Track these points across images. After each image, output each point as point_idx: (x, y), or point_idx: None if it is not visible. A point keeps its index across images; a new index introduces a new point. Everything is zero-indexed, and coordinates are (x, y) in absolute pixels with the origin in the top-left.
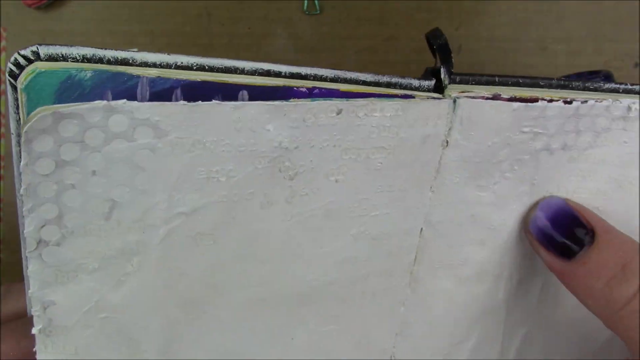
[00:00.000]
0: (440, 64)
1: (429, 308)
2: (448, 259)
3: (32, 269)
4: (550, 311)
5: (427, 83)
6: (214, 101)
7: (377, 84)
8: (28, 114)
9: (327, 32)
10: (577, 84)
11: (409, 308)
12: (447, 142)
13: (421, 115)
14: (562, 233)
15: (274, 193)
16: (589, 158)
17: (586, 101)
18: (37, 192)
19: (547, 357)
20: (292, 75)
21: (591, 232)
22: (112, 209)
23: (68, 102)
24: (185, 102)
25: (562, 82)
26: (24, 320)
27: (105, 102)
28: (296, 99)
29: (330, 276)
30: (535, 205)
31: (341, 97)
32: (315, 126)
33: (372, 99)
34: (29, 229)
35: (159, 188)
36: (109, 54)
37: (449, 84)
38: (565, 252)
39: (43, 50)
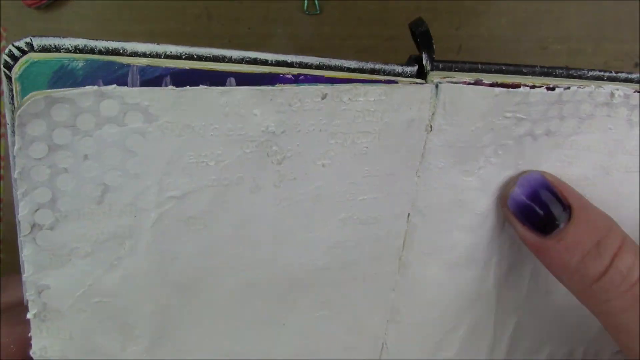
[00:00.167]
0: (422, 51)
1: (419, 294)
2: (436, 244)
3: (27, 252)
4: (542, 299)
5: (409, 69)
6: (201, 86)
7: (361, 70)
8: None
9: (327, 32)
10: (561, 71)
11: (399, 293)
12: (431, 126)
13: (405, 100)
14: (540, 208)
15: (263, 177)
16: (573, 144)
17: (569, 87)
18: (31, 175)
19: (540, 345)
20: (279, 63)
21: (568, 208)
22: (105, 193)
23: None
24: (173, 87)
25: (546, 70)
26: (20, 308)
27: (96, 87)
28: (282, 85)
29: (320, 261)
30: (514, 180)
31: (326, 83)
32: (301, 111)
33: (356, 84)
34: (23, 212)
35: (150, 172)
36: (100, 44)
37: (432, 70)
38: (542, 228)
39: (36, 42)
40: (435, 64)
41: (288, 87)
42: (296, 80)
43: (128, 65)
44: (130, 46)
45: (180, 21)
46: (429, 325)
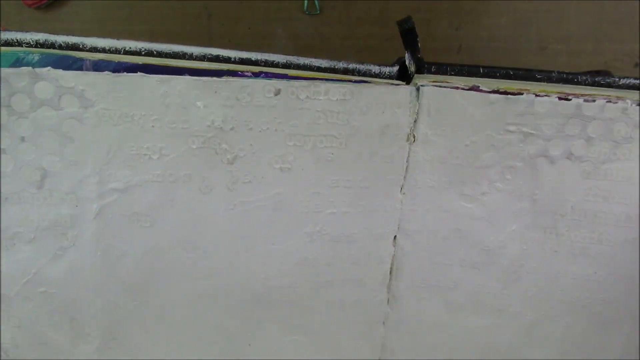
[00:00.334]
0: (405, 49)
1: (416, 334)
2: (434, 278)
3: None
4: None
5: (388, 69)
6: (138, 73)
7: (332, 70)
8: None
9: (327, 32)
10: (585, 78)
11: (391, 329)
12: (414, 136)
13: (375, 102)
14: None
15: (214, 177)
16: (608, 174)
17: (593, 99)
18: None
19: None
20: (242, 61)
21: None
22: (44, 178)
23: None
24: (109, 72)
25: (565, 76)
26: None
27: (29, 68)
28: (228, 77)
29: (288, 278)
30: None
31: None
32: (252, 107)
33: (316, 81)
34: None
35: (89, 160)
36: (60, 39)
37: (418, 73)
38: None
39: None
40: (426, 66)
41: (235, 80)
42: (256, 77)
43: (82, 60)
44: (90, 41)
45: (180, 21)
46: None
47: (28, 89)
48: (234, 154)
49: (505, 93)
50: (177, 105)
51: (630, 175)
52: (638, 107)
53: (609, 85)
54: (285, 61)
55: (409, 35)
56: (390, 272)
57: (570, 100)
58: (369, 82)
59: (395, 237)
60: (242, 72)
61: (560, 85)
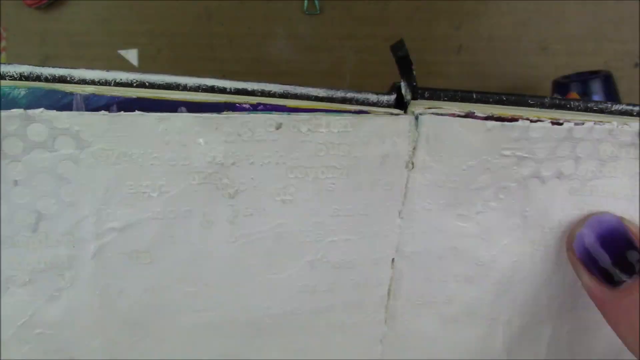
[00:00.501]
0: (401, 78)
1: (411, 348)
2: (430, 295)
3: None
4: None
5: (386, 98)
6: (137, 112)
7: (330, 99)
8: None
9: (327, 32)
10: (577, 104)
11: (388, 346)
12: (413, 163)
13: (376, 132)
14: (611, 255)
15: (215, 212)
16: (594, 190)
17: (582, 122)
18: None
19: None
20: (238, 91)
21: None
22: (39, 221)
23: None
24: (105, 112)
25: (557, 102)
26: None
27: (21, 110)
28: (229, 112)
29: (288, 305)
30: (582, 221)
31: (285, 112)
32: (253, 141)
33: (317, 113)
34: None
35: (86, 201)
36: (47, 71)
37: (413, 99)
38: (611, 278)
39: None
40: (419, 92)
41: (236, 115)
42: (254, 109)
43: (72, 94)
44: (78, 73)
45: (180, 21)
46: None
47: (20, 132)
48: (235, 188)
49: (501, 119)
50: (177, 142)
51: (614, 191)
52: (625, 126)
53: (601, 111)
54: (282, 91)
55: (403, 62)
56: (388, 293)
57: (562, 124)
58: (368, 112)
59: (393, 259)
60: (239, 103)
61: (552, 110)
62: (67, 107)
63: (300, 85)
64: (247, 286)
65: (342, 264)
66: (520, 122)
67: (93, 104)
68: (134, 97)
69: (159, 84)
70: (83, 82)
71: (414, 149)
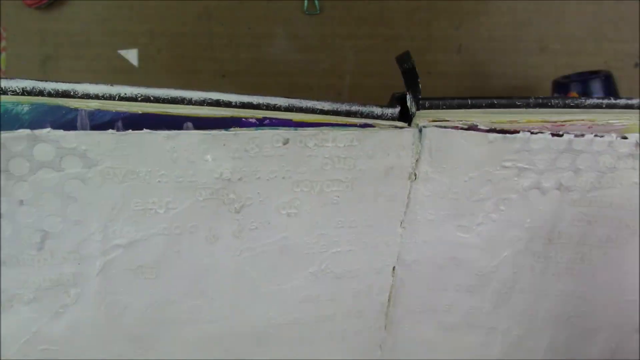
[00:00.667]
0: (406, 90)
1: (410, 354)
2: (430, 303)
3: None
4: None
5: (390, 111)
6: (144, 130)
7: (335, 112)
8: None
9: (327, 32)
10: (557, 101)
11: (387, 351)
12: (416, 174)
13: (381, 146)
14: None
15: (220, 227)
16: (593, 201)
17: (582, 134)
18: None
19: None
20: (243, 105)
21: None
22: (44, 240)
23: None
24: (113, 131)
25: (540, 101)
26: None
27: (28, 130)
28: (236, 128)
29: (291, 315)
30: None
31: (291, 127)
32: (260, 157)
33: (323, 128)
34: None
35: (93, 219)
36: (49, 86)
37: (417, 110)
38: None
39: None
40: (420, 102)
41: (243, 132)
42: (260, 124)
43: (76, 110)
44: (82, 88)
45: (180, 21)
46: None
47: (27, 152)
48: (241, 203)
49: (503, 132)
50: (185, 159)
51: (612, 201)
52: (624, 139)
53: (576, 107)
54: (287, 104)
55: (409, 75)
56: (389, 300)
57: (562, 136)
58: (373, 125)
59: (394, 268)
60: (246, 118)
61: (538, 110)
62: (72, 122)
63: (306, 98)
64: (250, 297)
65: (345, 274)
66: (521, 134)
67: (98, 120)
68: (140, 112)
69: (164, 98)
70: (87, 96)
71: (417, 160)
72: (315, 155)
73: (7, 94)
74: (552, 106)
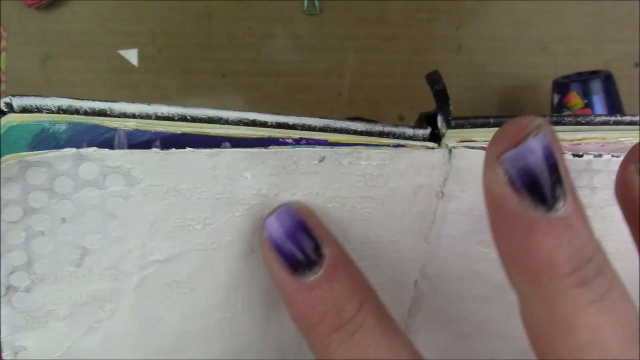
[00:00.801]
0: (436, 110)
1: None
2: (447, 313)
3: (3, 314)
4: None
5: (422, 132)
6: (187, 149)
7: (369, 133)
8: None
9: (327, 32)
10: (570, 119)
11: None
12: (443, 192)
13: (412, 165)
14: (295, 245)
15: (255, 240)
16: (606, 217)
17: (600, 155)
18: (5, 239)
19: None
20: (279, 125)
21: (321, 257)
22: (84, 256)
23: None
24: (157, 150)
25: (555, 119)
26: None
27: (74, 150)
28: (275, 147)
29: None
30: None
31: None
32: (297, 174)
33: (358, 147)
34: None
35: (132, 235)
36: (86, 105)
37: (447, 130)
38: (296, 267)
39: (16, 102)
40: (449, 122)
41: (282, 150)
42: (297, 144)
43: (114, 129)
44: (119, 107)
45: (180, 21)
46: None
47: (72, 171)
48: None
49: None
50: (225, 176)
51: (621, 216)
52: None
53: (587, 124)
54: (322, 125)
55: (441, 96)
56: (409, 311)
57: (582, 156)
58: (405, 146)
59: (416, 280)
60: (283, 138)
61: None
62: (109, 142)
63: (338, 119)
64: (278, 310)
65: None
66: None
67: (136, 139)
68: (179, 132)
69: (201, 118)
70: (123, 115)
71: (445, 179)
72: (349, 172)
73: (42, 112)
74: (565, 124)
